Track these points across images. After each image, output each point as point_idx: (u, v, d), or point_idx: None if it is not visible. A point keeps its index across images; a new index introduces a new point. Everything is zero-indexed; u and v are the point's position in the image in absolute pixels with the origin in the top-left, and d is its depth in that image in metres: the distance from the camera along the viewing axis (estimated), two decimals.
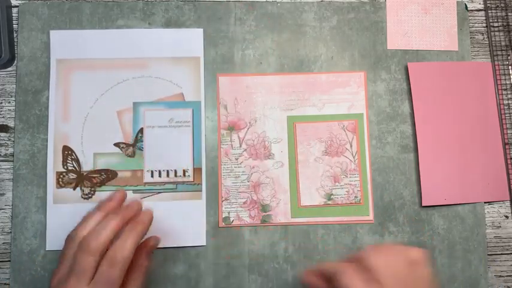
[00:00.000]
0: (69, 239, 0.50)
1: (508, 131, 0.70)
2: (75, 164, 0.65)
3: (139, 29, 0.68)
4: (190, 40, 0.68)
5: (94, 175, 0.65)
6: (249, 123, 0.68)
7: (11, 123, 0.67)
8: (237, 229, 0.66)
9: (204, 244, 0.65)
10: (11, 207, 0.65)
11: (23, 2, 0.68)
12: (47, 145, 0.66)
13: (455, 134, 0.68)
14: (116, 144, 0.66)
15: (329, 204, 0.67)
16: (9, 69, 0.67)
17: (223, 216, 0.66)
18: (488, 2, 0.72)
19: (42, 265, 0.64)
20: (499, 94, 0.70)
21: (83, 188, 0.65)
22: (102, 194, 0.65)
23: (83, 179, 0.65)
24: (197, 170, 0.66)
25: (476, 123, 0.69)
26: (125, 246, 0.47)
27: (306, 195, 0.67)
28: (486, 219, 0.68)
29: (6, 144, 0.66)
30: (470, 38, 0.72)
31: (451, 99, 0.69)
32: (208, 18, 0.69)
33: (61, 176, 0.65)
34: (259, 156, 0.67)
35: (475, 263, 0.67)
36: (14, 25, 0.68)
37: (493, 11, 0.72)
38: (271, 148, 0.68)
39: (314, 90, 0.69)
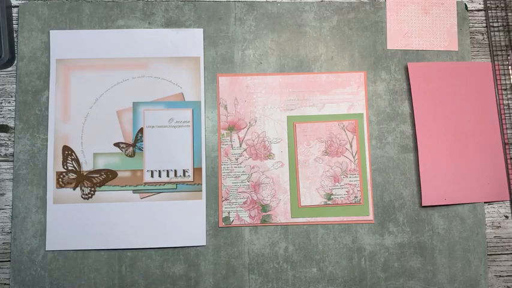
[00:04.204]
0: None
1: (508, 131, 0.70)
2: (75, 164, 0.65)
3: (139, 29, 0.68)
4: (190, 40, 0.68)
5: (94, 175, 0.65)
6: (249, 123, 0.68)
7: (11, 123, 0.67)
8: (237, 229, 0.66)
9: (204, 244, 0.65)
10: (11, 207, 0.65)
11: (23, 2, 0.68)
12: (47, 145, 0.66)
13: (455, 134, 0.68)
14: (116, 144, 0.66)
15: (329, 204, 0.67)
16: (9, 69, 0.67)
17: (223, 216, 0.66)
18: (488, 2, 0.72)
19: (42, 265, 0.64)
20: (499, 94, 0.70)
21: (83, 188, 0.65)
22: (102, 194, 0.65)
23: (83, 179, 0.65)
24: (197, 170, 0.66)
25: (476, 123, 0.69)
26: None
27: (306, 195, 0.67)
28: (486, 219, 0.68)
29: (6, 144, 0.66)
30: (470, 38, 0.72)
31: (451, 99, 0.69)
32: (208, 18, 0.69)
33: (61, 176, 0.65)
34: (259, 156, 0.67)
35: (475, 263, 0.67)
36: (14, 25, 0.68)
37: (493, 11, 0.72)
38: (271, 148, 0.68)
39: (314, 90, 0.69)
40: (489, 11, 0.72)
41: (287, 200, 0.66)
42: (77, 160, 0.65)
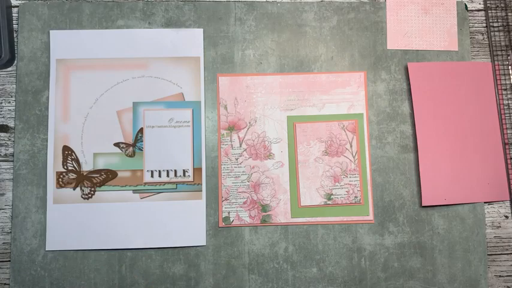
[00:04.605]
0: None
1: (508, 131, 0.70)
2: (75, 164, 0.65)
3: (139, 29, 0.68)
4: (190, 40, 0.68)
5: (94, 175, 0.65)
6: (249, 123, 0.68)
7: (11, 123, 0.67)
8: (237, 229, 0.66)
9: (204, 244, 0.65)
10: (11, 207, 0.65)
11: (23, 2, 0.68)
12: (47, 145, 0.66)
13: (455, 134, 0.68)
14: (116, 144, 0.66)
15: (329, 204, 0.67)
16: (9, 69, 0.67)
17: (223, 216, 0.66)
18: (488, 2, 0.72)
19: (42, 265, 0.64)
20: (499, 94, 0.70)
21: (83, 188, 0.65)
22: (102, 194, 0.65)
23: (83, 179, 0.65)
24: (197, 170, 0.66)
25: (476, 123, 0.69)
26: None
27: (306, 195, 0.67)
28: (486, 219, 0.68)
29: (6, 144, 0.66)
30: (470, 38, 0.72)
31: (451, 99, 0.69)
32: (208, 18, 0.69)
33: (61, 176, 0.65)
34: (259, 156, 0.67)
35: (475, 263, 0.67)
36: (14, 25, 0.68)
37: (493, 11, 0.72)
38: (271, 148, 0.68)
39: (314, 90, 0.69)
40: (489, 11, 0.72)
41: (287, 200, 0.66)
42: (77, 160, 0.65)
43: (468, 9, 0.72)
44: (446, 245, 0.67)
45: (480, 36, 0.72)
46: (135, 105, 0.67)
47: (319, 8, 0.70)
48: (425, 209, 0.67)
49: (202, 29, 0.69)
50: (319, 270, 0.66)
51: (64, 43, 0.67)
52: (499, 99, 0.70)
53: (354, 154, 0.68)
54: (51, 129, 0.66)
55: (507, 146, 0.69)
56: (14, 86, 0.67)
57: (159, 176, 0.66)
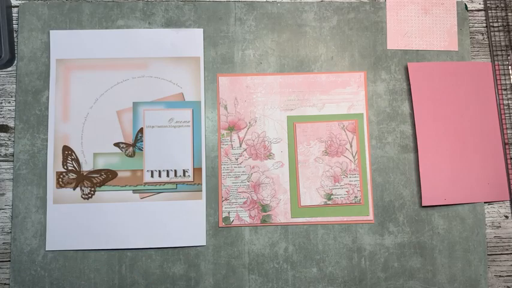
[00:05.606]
0: None
1: (508, 131, 0.70)
2: (75, 164, 0.65)
3: (139, 29, 0.68)
4: (190, 40, 0.68)
5: (94, 175, 0.65)
6: (249, 123, 0.68)
7: (11, 123, 0.67)
8: (237, 229, 0.66)
9: (204, 244, 0.65)
10: (11, 207, 0.65)
11: (23, 2, 0.68)
12: (47, 145, 0.66)
13: (455, 134, 0.68)
14: (116, 144, 0.66)
15: (329, 204, 0.67)
16: (9, 69, 0.67)
17: (223, 216, 0.66)
18: (488, 2, 0.72)
19: (42, 265, 0.64)
20: (499, 94, 0.70)
21: (83, 188, 0.65)
22: (102, 194, 0.65)
23: (83, 179, 0.65)
24: (197, 170, 0.66)
25: (476, 123, 0.69)
26: None
27: (306, 195, 0.67)
28: (486, 219, 0.68)
29: (6, 144, 0.66)
30: (470, 38, 0.72)
31: (451, 99, 0.69)
32: (208, 18, 0.69)
33: (61, 176, 0.65)
34: (259, 156, 0.67)
35: (475, 263, 0.67)
36: (14, 25, 0.68)
37: (493, 11, 0.72)
38: (271, 148, 0.68)
39: (314, 90, 0.69)
40: (489, 11, 0.72)
41: (287, 200, 0.66)
42: (77, 160, 0.65)
43: (468, 9, 0.72)
44: (446, 245, 0.67)
45: (480, 36, 0.72)
46: (135, 105, 0.67)
47: (319, 8, 0.70)
48: (425, 209, 0.67)
49: (202, 29, 0.69)
50: (319, 270, 0.66)
51: (64, 43, 0.67)
52: (499, 99, 0.70)
53: (354, 154, 0.68)
54: (51, 129, 0.66)
55: (507, 146, 0.69)
56: (14, 86, 0.67)
57: (159, 176, 0.66)
